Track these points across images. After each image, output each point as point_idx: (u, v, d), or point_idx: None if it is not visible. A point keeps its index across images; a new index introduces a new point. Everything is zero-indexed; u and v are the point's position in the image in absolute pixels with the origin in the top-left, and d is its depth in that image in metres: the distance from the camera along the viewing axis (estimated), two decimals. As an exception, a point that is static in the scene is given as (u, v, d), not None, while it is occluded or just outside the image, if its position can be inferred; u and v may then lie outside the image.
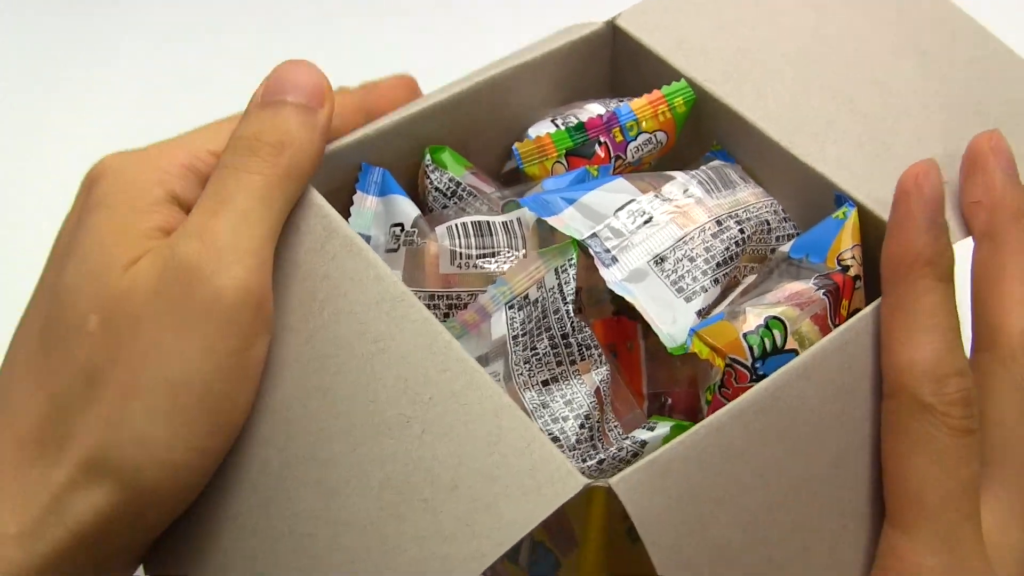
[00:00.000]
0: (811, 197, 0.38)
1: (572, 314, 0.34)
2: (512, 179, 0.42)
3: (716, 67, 0.41)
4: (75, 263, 0.34)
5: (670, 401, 0.37)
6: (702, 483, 0.30)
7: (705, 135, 0.41)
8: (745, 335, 0.33)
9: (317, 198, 0.36)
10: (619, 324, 0.37)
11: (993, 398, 0.34)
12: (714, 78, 0.40)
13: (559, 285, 0.34)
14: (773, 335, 0.33)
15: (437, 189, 0.39)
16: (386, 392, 0.32)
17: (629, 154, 0.40)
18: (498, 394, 0.30)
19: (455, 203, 0.39)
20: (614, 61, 0.44)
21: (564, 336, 0.34)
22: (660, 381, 0.37)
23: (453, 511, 0.30)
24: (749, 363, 0.32)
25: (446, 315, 0.36)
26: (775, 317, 0.33)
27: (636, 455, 0.33)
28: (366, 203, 0.39)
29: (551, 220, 0.35)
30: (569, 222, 0.35)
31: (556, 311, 0.34)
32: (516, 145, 0.40)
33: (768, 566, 0.32)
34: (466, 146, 0.41)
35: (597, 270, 0.35)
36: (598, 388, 0.34)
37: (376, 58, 0.77)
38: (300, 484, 0.33)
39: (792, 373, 0.32)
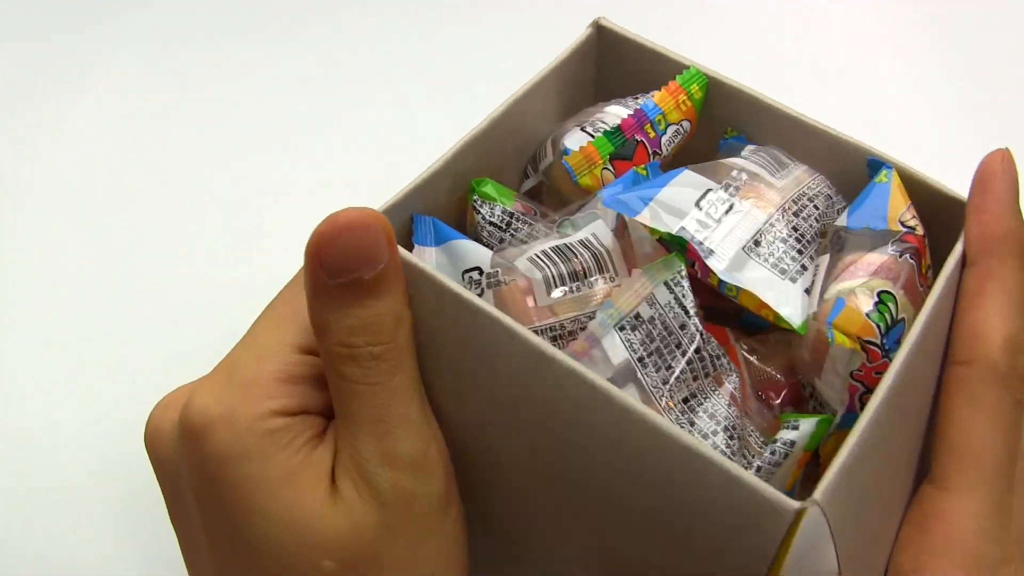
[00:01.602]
0: (841, 167, 0.39)
1: (700, 327, 0.34)
2: (534, 196, 0.42)
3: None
4: (259, 522, 0.33)
5: (775, 402, 0.38)
6: (869, 477, 0.31)
7: (716, 121, 0.42)
8: (868, 315, 0.34)
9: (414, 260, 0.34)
10: (712, 330, 0.37)
11: (970, 407, 0.35)
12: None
13: (676, 299, 0.34)
14: (889, 308, 0.34)
15: (491, 224, 0.39)
16: (574, 455, 0.33)
17: (664, 148, 0.41)
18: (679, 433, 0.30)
19: (511, 235, 0.39)
20: (600, 62, 0.44)
21: (697, 351, 0.34)
22: (757, 378, 0.38)
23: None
24: (879, 340, 0.33)
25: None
26: (884, 291, 0.34)
27: (787, 455, 0.33)
28: (426, 255, 0.37)
29: (640, 219, 0.35)
30: (655, 219, 0.35)
31: (683, 326, 0.34)
32: (566, 159, 0.39)
33: (882, 540, 0.34)
34: (500, 176, 0.41)
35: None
36: (733, 395, 0.34)
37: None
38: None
39: (914, 349, 0.33)
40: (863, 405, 0.34)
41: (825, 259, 0.37)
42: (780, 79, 0.70)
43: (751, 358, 0.38)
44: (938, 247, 0.37)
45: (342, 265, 0.33)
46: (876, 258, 0.36)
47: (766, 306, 0.34)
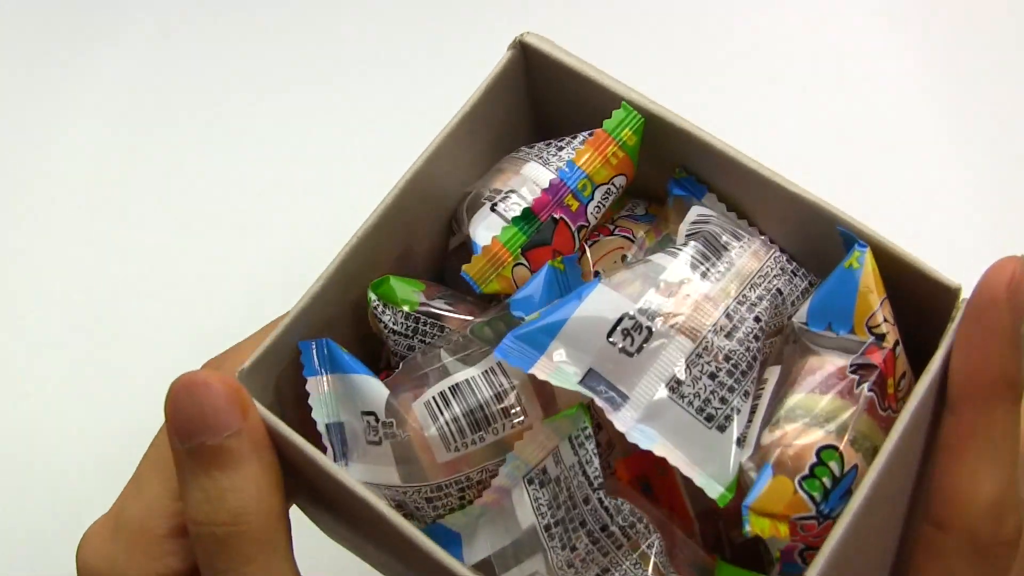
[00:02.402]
0: (808, 229, 0.33)
1: (605, 500, 0.30)
2: (462, 256, 0.37)
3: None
4: None
5: (722, 521, 0.34)
6: None
7: (665, 159, 0.36)
8: (801, 483, 0.29)
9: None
10: (644, 454, 0.32)
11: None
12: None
13: (579, 463, 0.30)
14: (830, 468, 0.29)
15: (394, 332, 0.34)
16: None
17: (590, 217, 0.35)
18: None
19: (419, 340, 0.34)
20: (531, 86, 0.37)
21: (603, 528, 0.30)
22: (702, 498, 0.33)
23: None
24: (814, 512, 0.29)
25: (460, 498, 0.32)
26: (827, 447, 0.29)
27: None
28: (322, 387, 0.33)
29: (535, 371, 0.30)
30: (558, 365, 0.30)
31: (586, 499, 0.30)
32: (464, 269, 0.34)
33: None
34: (410, 256, 0.36)
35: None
36: (653, 562, 0.31)
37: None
38: None
39: (859, 513, 0.28)
40: (805, 560, 0.30)
41: (775, 372, 0.32)
42: (771, 73, 0.66)
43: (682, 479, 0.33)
44: (924, 336, 0.32)
45: (184, 428, 0.30)
46: (824, 366, 0.31)
47: None
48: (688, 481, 0.31)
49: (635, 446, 0.30)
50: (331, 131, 0.70)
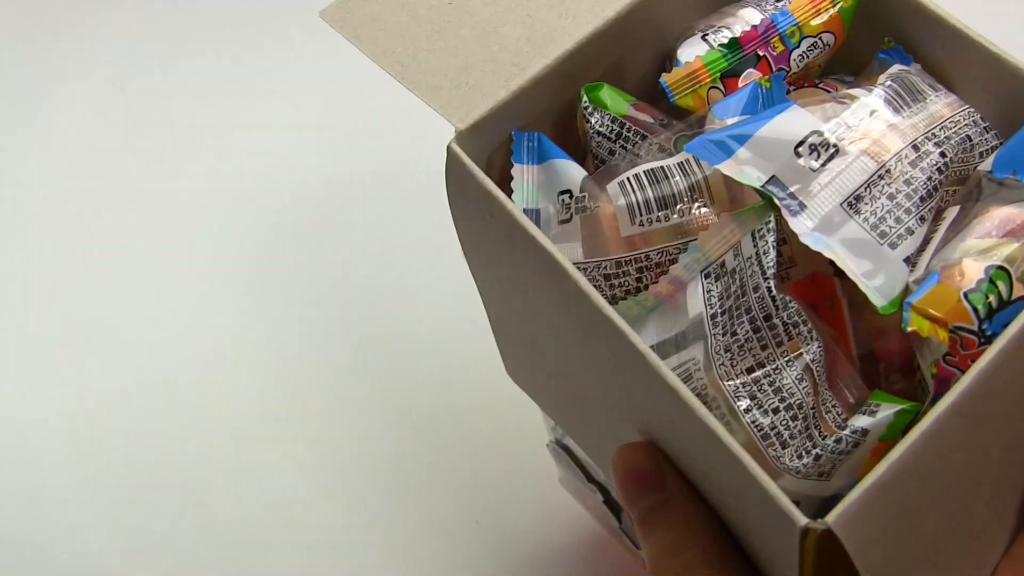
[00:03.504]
0: (1011, 95, 0.34)
1: (774, 290, 0.31)
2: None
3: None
4: None
5: (883, 365, 0.34)
6: (919, 490, 0.28)
7: (876, 28, 0.38)
8: (966, 295, 0.29)
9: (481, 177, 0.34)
10: (814, 282, 0.34)
11: None
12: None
13: (756, 255, 0.32)
14: (998, 288, 0.30)
15: (599, 133, 0.37)
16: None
17: (793, 64, 0.37)
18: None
19: (621, 146, 0.37)
20: None
21: (767, 318, 0.32)
22: (866, 337, 0.34)
23: None
24: (976, 327, 0.29)
25: (638, 279, 0.34)
26: (998, 267, 0.30)
27: (857, 444, 0.31)
28: (526, 175, 0.36)
29: (723, 167, 0.32)
30: (744, 167, 0.32)
31: (756, 288, 0.31)
32: (664, 77, 0.36)
33: (955, 553, 0.31)
34: (621, 77, 0.38)
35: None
36: (809, 368, 0.31)
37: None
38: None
39: (1019, 340, 0.28)
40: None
41: (954, 212, 0.33)
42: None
43: (863, 316, 0.34)
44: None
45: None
46: (1003, 212, 0.32)
47: None
48: (855, 318, 0.33)
49: (808, 271, 0.32)
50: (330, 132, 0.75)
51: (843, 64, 0.39)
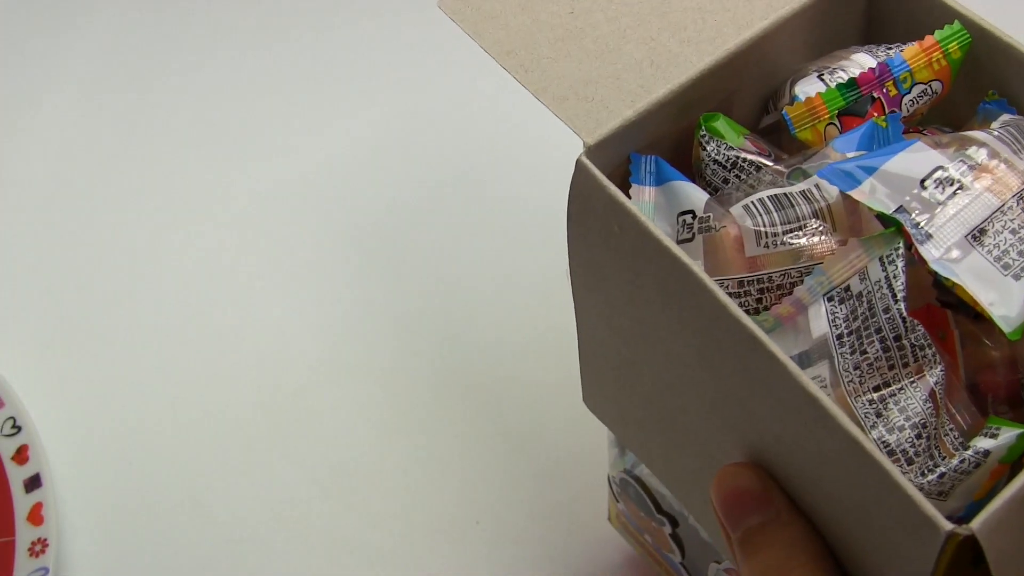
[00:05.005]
0: None
1: (904, 312, 0.32)
2: (768, 133, 0.41)
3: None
4: None
5: (991, 397, 0.35)
6: None
7: (978, 82, 0.39)
8: None
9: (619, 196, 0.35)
10: (928, 313, 0.35)
11: None
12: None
13: (886, 278, 0.33)
14: None
15: (716, 162, 0.38)
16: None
17: (904, 108, 0.38)
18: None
19: (736, 175, 0.38)
20: (871, 3, 0.42)
21: (897, 338, 0.33)
22: (973, 369, 0.35)
23: None
24: None
25: (758, 300, 0.35)
26: None
27: (978, 465, 0.31)
28: (644, 195, 0.37)
29: (854, 194, 0.33)
30: (872, 195, 0.33)
31: (886, 309, 0.33)
32: (787, 110, 0.38)
33: None
34: (729, 111, 0.39)
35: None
36: (933, 391, 0.32)
37: None
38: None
39: None
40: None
41: None
42: None
43: (973, 348, 0.36)
44: None
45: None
46: None
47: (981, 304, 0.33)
48: (966, 350, 0.34)
49: (918, 304, 0.33)
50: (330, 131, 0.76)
51: (939, 115, 0.40)
